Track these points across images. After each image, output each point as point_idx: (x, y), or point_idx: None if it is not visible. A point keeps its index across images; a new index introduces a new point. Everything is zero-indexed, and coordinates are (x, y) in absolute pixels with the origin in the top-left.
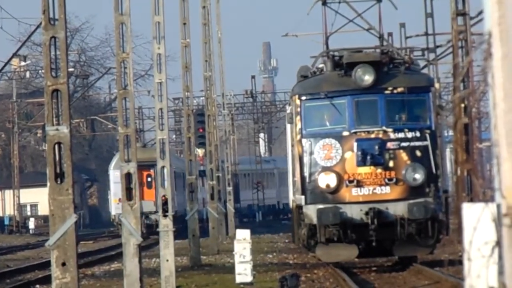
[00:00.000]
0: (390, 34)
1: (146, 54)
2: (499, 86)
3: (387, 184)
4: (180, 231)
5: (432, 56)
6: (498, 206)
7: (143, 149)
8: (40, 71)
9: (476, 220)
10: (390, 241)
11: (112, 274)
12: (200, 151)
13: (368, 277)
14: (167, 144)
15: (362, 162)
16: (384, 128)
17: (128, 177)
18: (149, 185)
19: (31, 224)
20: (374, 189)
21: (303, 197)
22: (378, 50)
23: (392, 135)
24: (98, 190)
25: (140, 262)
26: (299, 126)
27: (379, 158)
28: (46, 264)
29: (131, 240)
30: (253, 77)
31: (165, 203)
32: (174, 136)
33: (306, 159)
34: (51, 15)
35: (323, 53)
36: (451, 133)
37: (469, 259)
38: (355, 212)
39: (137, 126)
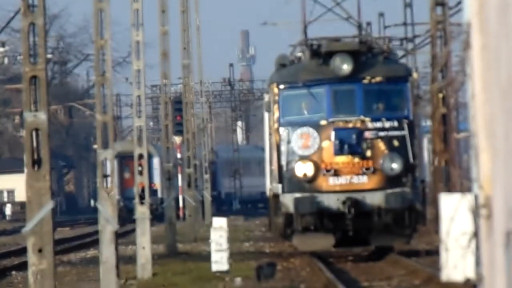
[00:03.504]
0: (368, 24)
1: (125, 41)
2: (478, 76)
3: (364, 174)
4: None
5: (410, 46)
6: (476, 197)
7: None
8: (18, 57)
9: (453, 210)
10: (366, 231)
11: (89, 261)
12: (177, 139)
13: (344, 266)
14: (144, 131)
15: (339, 151)
16: (362, 117)
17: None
18: (141, 174)
19: (8, 210)
20: (351, 178)
21: (280, 185)
22: (356, 40)
23: (369, 125)
24: (75, 176)
25: (116, 249)
26: (276, 114)
27: (356, 147)
28: (23, 251)
29: (107, 227)
30: (231, 65)
31: (142, 190)
32: (151, 124)
33: (283, 148)
34: (30, 1)
35: (301, 42)
36: (429, 123)
37: (446, 249)
38: (332, 201)
39: (115, 113)
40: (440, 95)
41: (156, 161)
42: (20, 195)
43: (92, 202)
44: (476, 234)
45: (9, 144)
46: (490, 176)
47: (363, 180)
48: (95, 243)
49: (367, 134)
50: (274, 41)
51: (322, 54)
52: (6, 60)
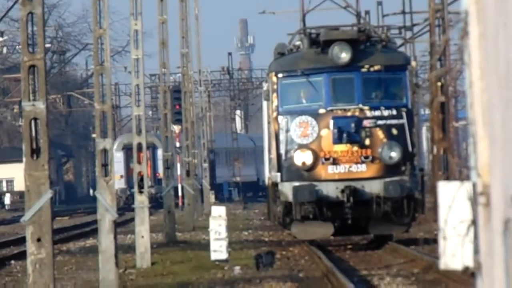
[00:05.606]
0: (367, 12)
1: (123, 30)
2: (475, 64)
3: (363, 162)
4: None
5: (409, 34)
6: (474, 185)
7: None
8: (17, 47)
9: (451, 199)
10: (365, 219)
11: (87, 250)
12: (176, 128)
13: (343, 255)
14: (143, 121)
15: (338, 140)
16: (360, 106)
17: (104, 153)
18: (139, 163)
19: (7, 199)
20: (350, 167)
21: (279, 174)
22: (355, 28)
23: (368, 113)
24: (74, 166)
25: (115, 238)
26: (275, 103)
27: (355, 136)
28: (21, 240)
29: (106, 216)
30: (229, 54)
31: (141, 179)
32: (150, 113)
33: (282, 137)
34: None
35: (300, 31)
36: (427, 111)
37: (444, 237)
38: (331, 190)
39: (114, 102)
40: (439, 84)
41: (160, 152)
42: (19, 185)
43: (91, 191)
44: (474, 222)
45: (8, 134)
46: (488, 164)
47: (362, 169)
48: (94, 232)
49: (366, 123)
50: (273, 30)
51: (320, 42)
52: (4, 50)
